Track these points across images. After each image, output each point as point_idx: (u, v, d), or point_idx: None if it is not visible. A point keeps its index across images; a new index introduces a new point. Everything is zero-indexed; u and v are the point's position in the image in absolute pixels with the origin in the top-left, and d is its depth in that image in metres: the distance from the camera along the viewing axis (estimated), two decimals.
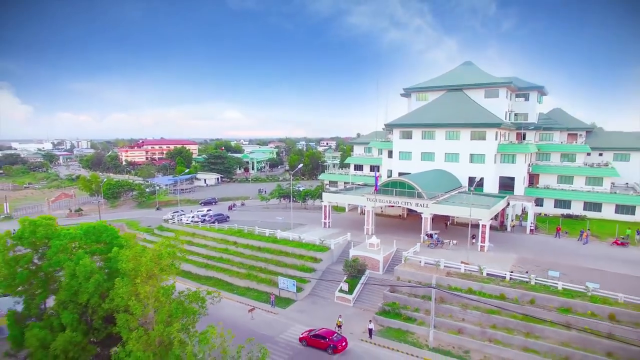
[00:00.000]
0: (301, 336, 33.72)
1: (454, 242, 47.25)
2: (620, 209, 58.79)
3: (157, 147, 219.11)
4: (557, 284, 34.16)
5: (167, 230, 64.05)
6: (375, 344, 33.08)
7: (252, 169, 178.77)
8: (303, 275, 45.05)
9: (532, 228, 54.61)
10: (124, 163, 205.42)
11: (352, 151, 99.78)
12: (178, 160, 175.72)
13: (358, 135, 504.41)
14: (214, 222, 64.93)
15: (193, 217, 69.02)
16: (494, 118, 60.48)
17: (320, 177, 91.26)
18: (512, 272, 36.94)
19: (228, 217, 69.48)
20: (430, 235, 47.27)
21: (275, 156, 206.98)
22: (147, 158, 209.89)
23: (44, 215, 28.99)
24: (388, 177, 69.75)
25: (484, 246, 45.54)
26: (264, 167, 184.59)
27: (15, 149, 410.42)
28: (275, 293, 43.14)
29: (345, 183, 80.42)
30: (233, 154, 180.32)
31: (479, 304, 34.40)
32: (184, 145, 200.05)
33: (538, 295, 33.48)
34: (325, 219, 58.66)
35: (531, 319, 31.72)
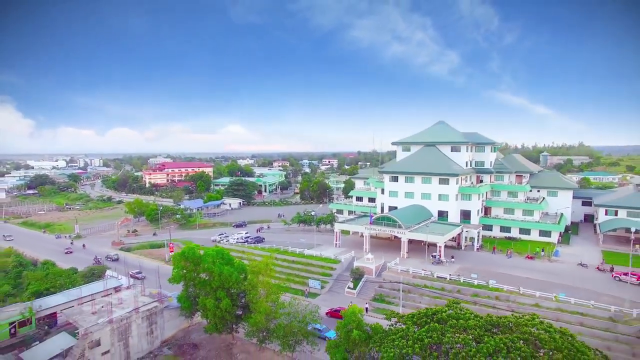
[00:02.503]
0: (327, 311, 59.66)
1: (452, 258, 72.90)
2: (542, 233, 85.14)
3: (176, 170, 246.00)
4: (474, 281, 60.46)
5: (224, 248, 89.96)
6: (369, 316, 58.93)
7: (265, 191, 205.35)
8: (324, 278, 71.13)
9: (478, 247, 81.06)
10: (147, 185, 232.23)
11: (355, 173, 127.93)
12: (199, 184, 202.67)
13: (359, 152, 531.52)
14: (254, 243, 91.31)
15: (237, 238, 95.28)
16: (455, 169, 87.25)
17: (330, 206, 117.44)
18: (450, 274, 63.20)
19: (263, 238, 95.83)
20: (434, 256, 72.75)
21: (284, 179, 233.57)
22: (168, 180, 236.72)
23: (193, 244, 55.33)
24: (381, 208, 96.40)
25: (432, 257, 71.76)
26: (276, 189, 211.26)
27: (33, 167, 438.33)
28: (307, 290, 69.17)
29: (349, 212, 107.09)
30: (247, 178, 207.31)
31: (429, 293, 60.62)
32: (203, 170, 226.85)
33: (462, 288, 59.81)
34: (336, 240, 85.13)
35: (456, 300, 57.76)
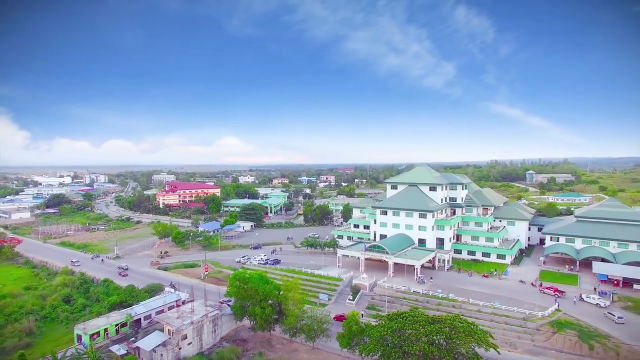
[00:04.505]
0: (334, 316, 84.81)
1: (431, 278, 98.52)
2: (499, 256, 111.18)
3: (187, 191, 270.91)
4: (439, 294, 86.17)
5: (250, 269, 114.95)
6: (364, 319, 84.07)
7: (271, 212, 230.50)
8: (330, 292, 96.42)
9: (448, 268, 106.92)
10: (161, 205, 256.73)
11: (352, 193, 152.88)
12: (211, 206, 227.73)
13: (355, 169, 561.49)
14: (273, 264, 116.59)
15: (259, 260, 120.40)
16: (431, 207, 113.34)
17: (332, 232, 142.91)
18: (422, 290, 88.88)
19: (280, 260, 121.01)
20: (420, 277, 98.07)
21: (287, 200, 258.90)
22: (180, 201, 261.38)
23: (241, 270, 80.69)
24: (374, 235, 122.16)
25: (417, 278, 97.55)
26: (280, 210, 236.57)
27: (40, 183, 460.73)
28: (318, 301, 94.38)
29: (348, 237, 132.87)
30: (254, 201, 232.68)
31: (407, 303, 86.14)
32: (214, 193, 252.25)
33: (430, 299, 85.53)
34: (338, 263, 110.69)
35: (415, 307, 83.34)
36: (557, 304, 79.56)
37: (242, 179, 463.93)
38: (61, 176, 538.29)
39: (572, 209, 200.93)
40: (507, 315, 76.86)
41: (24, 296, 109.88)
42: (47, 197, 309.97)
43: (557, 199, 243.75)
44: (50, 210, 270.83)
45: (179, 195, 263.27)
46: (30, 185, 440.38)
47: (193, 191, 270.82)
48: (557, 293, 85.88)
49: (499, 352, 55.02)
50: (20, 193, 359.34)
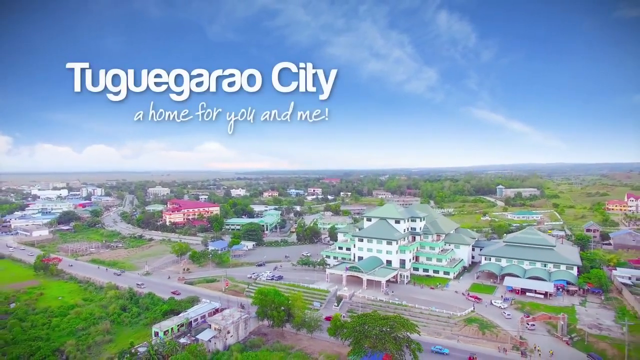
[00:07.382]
0: (325, 317, 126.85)
1: (392, 291, 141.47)
2: (445, 272, 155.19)
3: (191, 210, 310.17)
4: (396, 302, 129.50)
5: (260, 284, 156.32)
6: (344, 319, 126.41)
7: (266, 230, 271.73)
8: (321, 300, 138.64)
9: (407, 282, 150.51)
10: (167, 223, 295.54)
11: (338, 210, 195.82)
12: (215, 225, 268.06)
13: (341, 180, 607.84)
14: (277, 279, 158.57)
15: (266, 277, 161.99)
16: (396, 236, 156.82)
17: (322, 252, 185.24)
18: (386, 298, 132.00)
19: (282, 276, 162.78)
20: (384, 289, 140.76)
21: (280, 218, 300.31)
22: (184, 219, 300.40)
23: (262, 287, 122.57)
24: (353, 256, 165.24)
25: (383, 290, 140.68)
26: (275, 228, 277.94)
27: (39, 196, 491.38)
28: (312, 307, 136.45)
29: (334, 257, 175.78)
30: (253, 220, 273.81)
31: (374, 308, 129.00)
32: (216, 213, 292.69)
33: (390, 305, 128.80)
34: (326, 279, 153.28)
35: (386, 311, 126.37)
36: (473, 307, 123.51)
37: (234, 192, 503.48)
38: (55, 188, 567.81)
39: (524, 225, 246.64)
40: (438, 315, 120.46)
41: (88, 306, 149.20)
42: (56, 213, 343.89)
43: (514, 217, 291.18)
44: (64, 227, 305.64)
45: (184, 214, 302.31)
46: (29, 199, 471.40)
47: (196, 210, 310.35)
48: (476, 300, 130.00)
49: (419, 334, 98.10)
50: (26, 208, 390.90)
